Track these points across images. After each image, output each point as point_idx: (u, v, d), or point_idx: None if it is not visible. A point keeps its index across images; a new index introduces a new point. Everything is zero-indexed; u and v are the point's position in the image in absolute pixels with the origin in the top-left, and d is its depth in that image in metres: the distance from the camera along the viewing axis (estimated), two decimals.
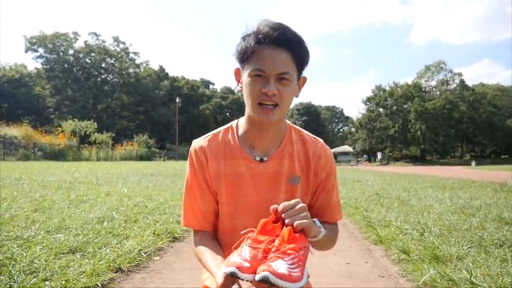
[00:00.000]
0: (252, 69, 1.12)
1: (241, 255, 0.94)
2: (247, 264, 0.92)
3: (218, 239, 1.30)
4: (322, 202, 1.28)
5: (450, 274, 2.57)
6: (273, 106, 1.12)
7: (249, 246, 0.96)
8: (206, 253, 1.18)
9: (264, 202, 1.17)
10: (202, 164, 1.25)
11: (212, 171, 1.24)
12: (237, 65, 1.20)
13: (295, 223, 0.97)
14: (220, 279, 0.92)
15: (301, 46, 1.13)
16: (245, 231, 1.02)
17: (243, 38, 1.15)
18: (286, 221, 0.99)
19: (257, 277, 0.87)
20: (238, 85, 1.21)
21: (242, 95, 1.20)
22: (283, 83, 1.11)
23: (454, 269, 2.72)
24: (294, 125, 1.32)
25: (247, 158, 1.23)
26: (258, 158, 1.23)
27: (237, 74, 1.21)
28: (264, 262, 0.90)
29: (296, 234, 0.98)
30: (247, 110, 1.20)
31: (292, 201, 1.01)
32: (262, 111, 1.13)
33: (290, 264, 0.91)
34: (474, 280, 2.41)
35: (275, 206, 1.01)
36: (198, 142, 1.28)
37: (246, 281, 0.91)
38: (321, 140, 1.31)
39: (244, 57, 1.14)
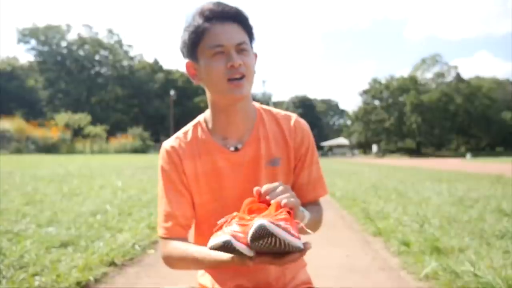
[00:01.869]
0: (211, 48, 1.06)
1: (230, 230, 0.85)
2: (241, 234, 0.83)
3: (199, 242, 1.24)
4: (302, 179, 1.21)
5: (453, 267, 2.51)
6: (241, 78, 1.07)
7: (237, 224, 0.86)
8: (182, 244, 1.10)
9: (248, 191, 1.07)
10: (176, 164, 1.16)
11: (188, 171, 1.16)
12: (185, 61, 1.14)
13: (282, 202, 0.90)
14: (224, 255, 0.88)
15: (246, 18, 1.10)
16: (222, 220, 0.92)
17: (186, 29, 1.09)
18: (272, 201, 0.91)
19: (252, 228, 0.77)
20: (194, 80, 1.14)
21: (203, 85, 1.13)
22: (244, 53, 1.07)
23: (456, 261, 2.67)
24: (263, 106, 1.24)
25: (222, 150, 1.16)
26: (232, 148, 1.16)
27: (191, 68, 1.13)
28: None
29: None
30: (212, 97, 1.13)
31: (274, 184, 0.95)
32: (232, 87, 1.06)
33: (287, 225, 0.81)
34: (477, 273, 2.35)
35: (258, 188, 0.95)
36: (169, 143, 1.20)
37: (240, 254, 0.83)
38: (294, 115, 1.23)
39: (196, 40, 1.08)
